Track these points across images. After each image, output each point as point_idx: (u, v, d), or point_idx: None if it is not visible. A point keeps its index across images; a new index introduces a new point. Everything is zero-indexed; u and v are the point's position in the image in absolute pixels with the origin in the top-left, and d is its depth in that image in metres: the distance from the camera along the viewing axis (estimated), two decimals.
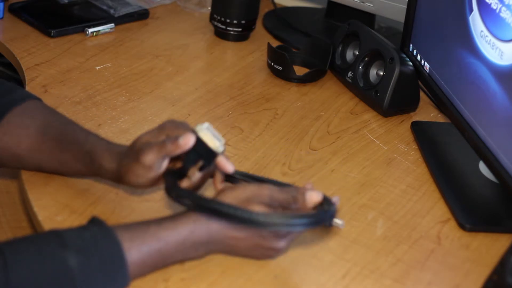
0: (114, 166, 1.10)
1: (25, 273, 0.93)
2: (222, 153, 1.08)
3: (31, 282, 0.93)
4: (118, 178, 1.10)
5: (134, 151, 1.07)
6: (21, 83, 1.53)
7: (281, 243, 1.05)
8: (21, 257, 0.94)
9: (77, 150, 1.13)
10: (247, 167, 1.29)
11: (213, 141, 1.06)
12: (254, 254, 1.06)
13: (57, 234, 0.97)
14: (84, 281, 0.94)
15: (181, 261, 1.04)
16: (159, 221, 1.02)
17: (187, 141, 1.04)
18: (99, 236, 0.98)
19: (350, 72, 1.54)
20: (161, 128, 1.08)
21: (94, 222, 1.00)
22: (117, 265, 0.97)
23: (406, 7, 1.52)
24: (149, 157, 1.05)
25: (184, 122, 1.10)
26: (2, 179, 1.67)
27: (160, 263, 1.02)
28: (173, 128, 1.08)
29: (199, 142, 1.05)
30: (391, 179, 1.32)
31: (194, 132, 1.06)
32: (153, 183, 1.09)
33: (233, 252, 1.05)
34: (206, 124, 1.07)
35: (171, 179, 1.06)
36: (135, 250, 0.98)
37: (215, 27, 1.70)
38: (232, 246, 1.04)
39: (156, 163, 1.06)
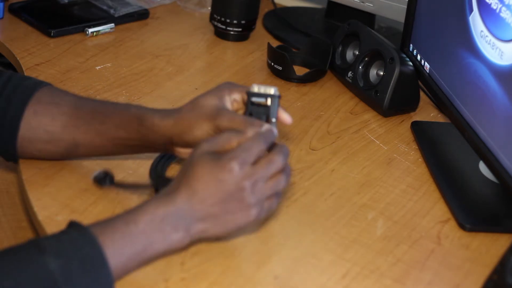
0: (172, 121, 1.11)
1: (6, 281, 0.92)
2: (279, 97, 1.10)
3: None
4: (174, 133, 1.11)
5: (204, 112, 1.10)
6: None
7: (252, 198, 1.02)
8: (1, 266, 0.93)
9: (121, 116, 1.14)
10: None
11: (268, 88, 1.09)
12: (230, 212, 1.02)
13: (34, 242, 0.96)
14: (67, 282, 0.93)
15: (166, 247, 1.01)
16: (126, 210, 1.02)
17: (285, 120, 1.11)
18: (76, 238, 0.97)
19: (350, 72, 1.55)
20: (219, 90, 1.12)
21: (71, 225, 1.00)
22: (97, 262, 0.95)
23: (406, 7, 1.52)
24: (225, 121, 1.08)
25: (240, 85, 1.14)
26: (2, 179, 1.67)
27: (141, 249, 0.99)
28: (231, 89, 1.12)
29: (253, 103, 1.09)
30: (391, 179, 1.32)
31: (248, 92, 1.10)
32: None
33: (208, 216, 1.02)
34: (254, 84, 1.11)
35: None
36: (109, 240, 0.97)
37: (215, 27, 1.70)
38: (200, 204, 1.01)
39: (230, 125, 1.09)
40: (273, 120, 1.09)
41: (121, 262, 0.98)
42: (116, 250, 0.97)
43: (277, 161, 1.05)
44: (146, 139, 1.13)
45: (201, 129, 1.10)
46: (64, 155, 1.19)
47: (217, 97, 1.12)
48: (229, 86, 1.13)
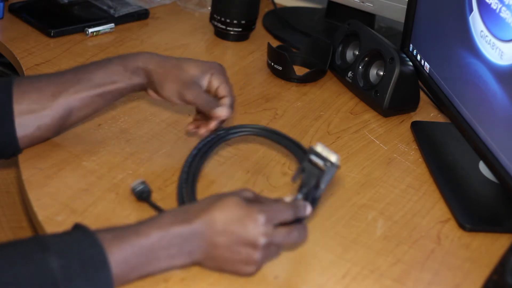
0: (152, 67, 1.19)
1: (6, 275, 0.92)
2: (338, 168, 1.05)
3: (12, 284, 0.92)
4: (151, 79, 1.19)
5: (180, 76, 1.19)
6: None
7: (260, 256, 1.03)
8: (2, 260, 0.93)
9: (105, 69, 1.20)
10: (247, 167, 1.29)
11: (330, 153, 1.05)
12: (234, 257, 1.03)
13: (38, 239, 0.96)
14: (67, 282, 0.93)
15: (168, 266, 1.02)
16: (140, 220, 1.02)
17: (221, 115, 1.18)
18: (80, 239, 0.97)
19: (350, 72, 1.55)
20: (208, 66, 1.21)
21: (77, 227, 1.00)
22: (99, 266, 0.95)
23: (406, 7, 1.52)
24: (190, 96, 1.18)
25: (226, 77, 1.22)
26: (2, 179, 1.67)
27: (145, 262, 0.99)
28: (216, 73, 1.21)
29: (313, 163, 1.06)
30: (391, 179, 1.32)
31: (310, 148, 1.06)
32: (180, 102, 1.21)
33: (215, 250, 1.02)
34: (319, 143, 1.07)
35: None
36: (116, 248, 0.97)
37: (215, 27, 1.70)
38: (213, 236, 1.01)
39: (193, 101, 1.19)
40: (322, 186, 1.05)
41: (124, 271, 0.98)
42: (122, 259, 0.97)
43: (295, 235, 1.06)
44: (130, 82, 1.20)
45: (169, 89, 1.18)
46: (61, 125, 1.21)
47: (201, 70, 1.19)
48: (218, 69, 1.21)
